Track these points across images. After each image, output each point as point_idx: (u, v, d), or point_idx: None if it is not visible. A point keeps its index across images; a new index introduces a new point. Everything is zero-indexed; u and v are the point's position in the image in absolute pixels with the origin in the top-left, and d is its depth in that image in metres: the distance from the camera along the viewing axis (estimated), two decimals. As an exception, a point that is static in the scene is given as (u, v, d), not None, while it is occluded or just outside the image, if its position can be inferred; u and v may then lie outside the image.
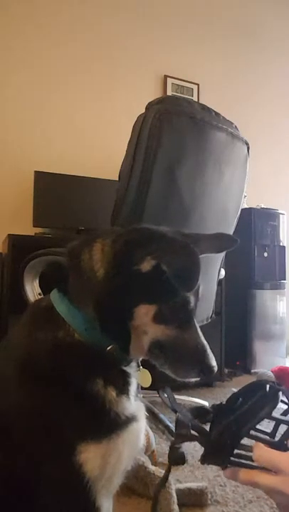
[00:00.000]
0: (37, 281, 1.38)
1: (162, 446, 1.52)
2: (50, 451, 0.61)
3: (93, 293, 0.65)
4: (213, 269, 1.60)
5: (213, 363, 0.66)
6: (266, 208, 3.00)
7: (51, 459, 0.61)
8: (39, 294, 1.37)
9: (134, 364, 0.72)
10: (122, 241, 0.66)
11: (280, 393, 0.60)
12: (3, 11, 2.68)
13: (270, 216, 2.98)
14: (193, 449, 1.55)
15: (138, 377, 0.72)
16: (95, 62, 2.96)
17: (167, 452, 1.45)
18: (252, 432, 0.59)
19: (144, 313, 0.64)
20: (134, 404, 0.69)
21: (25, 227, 2.52)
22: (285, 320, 3.01)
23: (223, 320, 2.50)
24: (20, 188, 2.65)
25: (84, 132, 2.90)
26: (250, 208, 2.86)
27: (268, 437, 0.60)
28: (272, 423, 0.60)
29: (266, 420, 0.59)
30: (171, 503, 1.08)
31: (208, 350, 0.67)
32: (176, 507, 1.08)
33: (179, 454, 1.45)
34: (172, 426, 1.51)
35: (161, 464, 1.42)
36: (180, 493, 1.16)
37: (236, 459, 0.59)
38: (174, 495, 1.11)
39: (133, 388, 0.70)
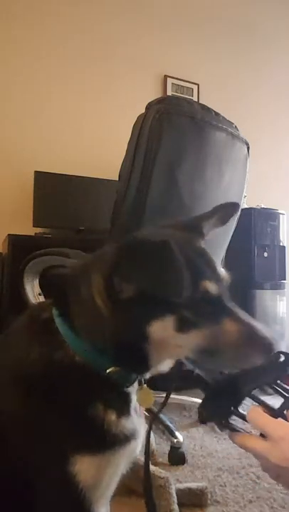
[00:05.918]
0: (37, 281, 1.38)
1: (162, 446, 1.52)
2: (45, 461, 0.61)
3: (102, 331, 0.61)
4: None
5: (267, 333, 0.58)
6: (266, 208, 2.99)
7: (46, 468, 0.61)
8: (39, 294, 1.37)
9: (135, 383, 0.67)
10: (104, 272, 0.60)
11: None
12: (2, 10, 2.68)
13: (270, 216, 2.97)
14: (193, 449, 1.55)
15: (139, 396, 0.68)
16: (94, 62, 2.96)
17: (167, 452, 1.46)
18: (254, 393, 0.59)
19: (161, 329, 0.58)
20: (134, 421, 0.67)
21: (25, 227, 2.52)
22: (285, 320, 3.00)
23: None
24: (20, 188, 2.65)
25: (84, 132, 2.90)
26: (250, 208, 2.86)
27: (268, 403, 0.59)
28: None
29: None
30: (171, 503, 1.08)
31: (256, 325, 0.59)
32: (176, 507, 1.08)
33: (179, 454, 1.45)
34: (172, 426, 1.51)
35: (161, 464, 1.42)
36: (180, 493, 1.15)
37: (232, 422, 0.60)
38: (174, 495, 1.10)
39: (133, 406, 0.67)
